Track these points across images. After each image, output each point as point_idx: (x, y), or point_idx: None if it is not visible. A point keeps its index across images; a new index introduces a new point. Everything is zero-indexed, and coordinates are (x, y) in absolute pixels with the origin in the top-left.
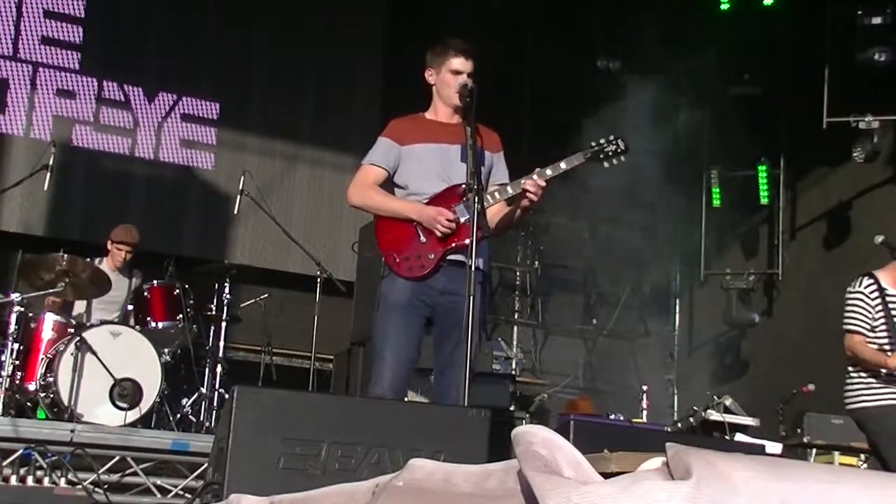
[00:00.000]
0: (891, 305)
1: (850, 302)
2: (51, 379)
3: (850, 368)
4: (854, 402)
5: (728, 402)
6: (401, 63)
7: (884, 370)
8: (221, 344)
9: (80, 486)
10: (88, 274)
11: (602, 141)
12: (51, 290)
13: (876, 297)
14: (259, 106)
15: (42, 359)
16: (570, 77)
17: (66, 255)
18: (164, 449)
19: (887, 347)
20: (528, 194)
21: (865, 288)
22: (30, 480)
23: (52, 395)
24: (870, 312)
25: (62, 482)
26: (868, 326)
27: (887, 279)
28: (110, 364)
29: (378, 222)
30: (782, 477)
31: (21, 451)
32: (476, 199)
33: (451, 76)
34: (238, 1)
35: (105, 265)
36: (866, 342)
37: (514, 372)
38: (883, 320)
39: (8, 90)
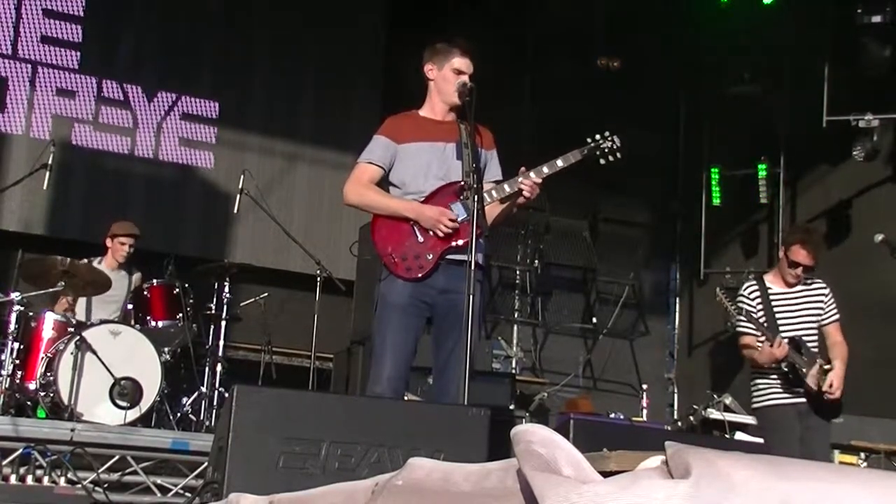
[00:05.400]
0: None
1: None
2: (51, 378)
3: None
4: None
5: (728, 400)
6: (401, 63)
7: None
8: (221, 343)
9: (79, 485)
10: (88, 274)
11: (598, 137)
12: (51, 290)
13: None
14: (259, 106)
15: (42, 358)
16: (570, 76)
17: (67, 259)
18: (163, 448)
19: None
20: (524, 192)
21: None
22: (29, 479)
23: (52, 394)
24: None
25: (62, 481)
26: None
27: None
28: (110, 363)
29: (375, 221)
30: (782, 476)
31: (21, 450)
32: (476, 199)
33: (452, 74)
34: (238, 1)
35: (104, 264)
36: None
37: (513, 371)
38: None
39: (8, 89)
